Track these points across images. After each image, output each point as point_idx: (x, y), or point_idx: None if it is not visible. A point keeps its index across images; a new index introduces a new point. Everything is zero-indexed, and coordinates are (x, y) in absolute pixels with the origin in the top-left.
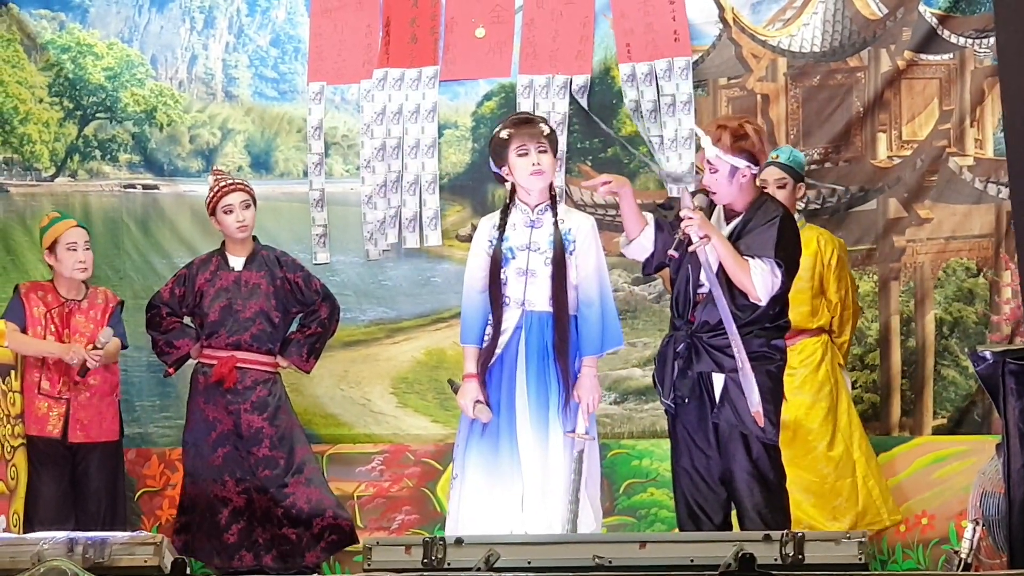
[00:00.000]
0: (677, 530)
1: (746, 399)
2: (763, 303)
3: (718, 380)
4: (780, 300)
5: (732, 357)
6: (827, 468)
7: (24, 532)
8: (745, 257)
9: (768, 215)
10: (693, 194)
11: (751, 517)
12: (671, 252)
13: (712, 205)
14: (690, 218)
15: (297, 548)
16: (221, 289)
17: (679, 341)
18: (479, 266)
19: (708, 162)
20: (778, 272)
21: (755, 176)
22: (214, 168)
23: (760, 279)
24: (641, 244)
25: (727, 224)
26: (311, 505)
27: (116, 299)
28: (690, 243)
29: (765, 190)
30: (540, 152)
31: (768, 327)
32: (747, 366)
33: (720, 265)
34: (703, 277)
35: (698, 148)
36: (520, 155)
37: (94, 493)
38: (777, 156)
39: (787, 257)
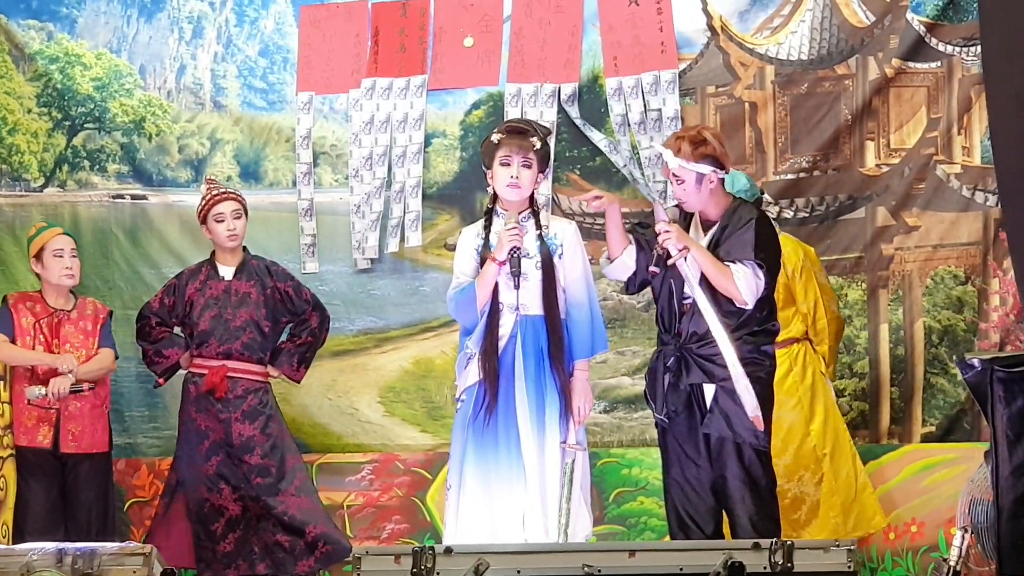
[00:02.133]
0: (667, 539)
1: (737, 407)
2: (749, 306)
3: (709, 390)
4: (766, 303)
5: (722, 366)
6: (789, 483)
7: (13, 543)
8: (726, 263)
9: (744, 219)
10: (666, 208)
11: (743, 525)
12: (652, 268)
13: (686, 217)
14: (667, 231)
15: (291, 556)
16: (211, 298)
17: (668, 355)
18: (470, 267)
19: (674, 175)
20: (760, 273)
21: (722, 181)
22: (207, 177)
23: (744, 283)
24: (624, 263)
25: (704, 234)
26: (303, 513)
27: (106, 309)
28: (669, 257)
29: (735, 196)
30: (523, 166)
31: (756, 331)
32: (739, 370)
33: (703, 275)
34: (687, 289)
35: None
36: (502, 164)
37: (84, 504)
38: None
39: (767, 258)
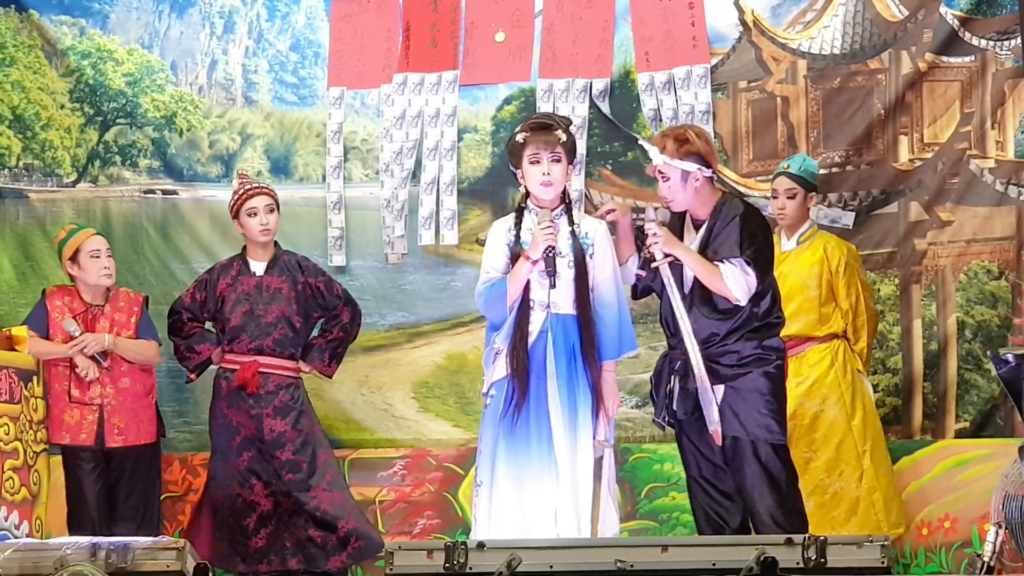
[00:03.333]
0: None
1: (748, 406)
2: (743, 303)
3: (717, 391)
4: (764, 297)
5: (728, 366)
6: (829, 478)
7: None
8: (715, 263)
9: (728, 216)
10: (656, 208)
11: (764, 521)
12: (638, 271)
13: (679, 218)
14: (655, 235)
15: (322, 551)
16: (243, 294)
17: (676, 359)
18: (500, 263)
19: (659, 172)
20: (749, 270)
21: (710, 179)
22: (239, 171)
23: (733, 282)
24: (628, 269)
25: (695, 233)
26: (335, 508)
27: (139, 298)
28: (654, 260)
29: (726, 192)
30: (553, 161)
31: (758, 327)
32: (706, 383)
33: (696, 278)
34: (685, 291)
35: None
36: (532, 163)
37: (130, 497)
38: (788, 166)
39: (755, 253)
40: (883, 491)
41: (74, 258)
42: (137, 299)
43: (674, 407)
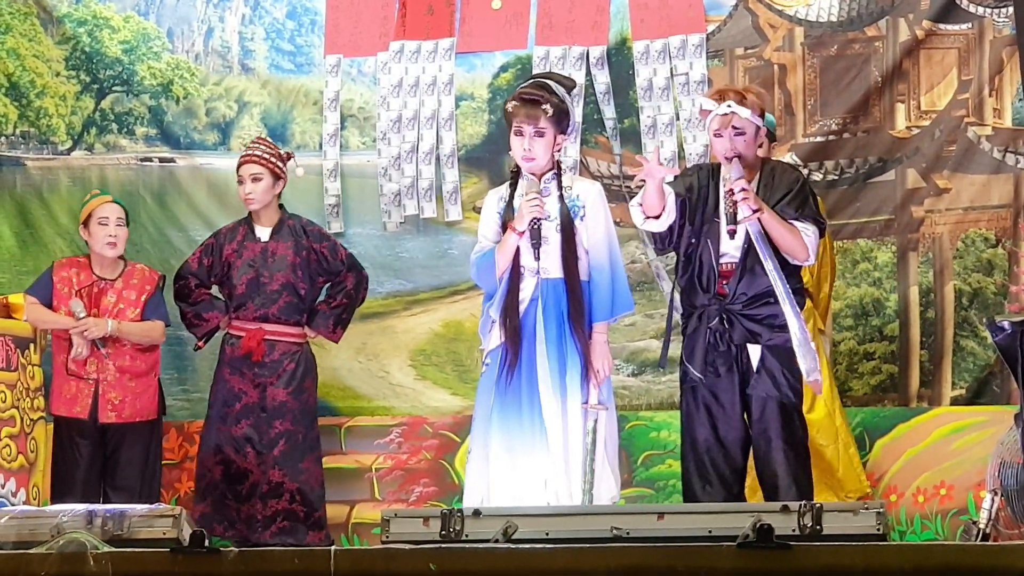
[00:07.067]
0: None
1: (783, 367)
2: (812, 262)
3: (753, 351)
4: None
5: (769, 327)
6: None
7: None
8: (790, 222)
9: (790, 177)
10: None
11: (784, 486)
12: (729, 227)
13: (710, 177)
14: (745, 191)
15: (304, 525)
16: (248, 260)
17: (712, 315)
18: (493, 231)
19: (734, 127)
20: (817, 232)
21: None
22: (256, 138)
23: (811, 241)
24: (669, 216)
25: None
26: (320, 488)
27: (155, 277)
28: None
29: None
30: (535, 136)
31: (795, 290)
32: (806, 333)
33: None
34: (723, 247)
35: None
36: (515, 135)
37: (128, 466)
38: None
39: (817, 214)
40: (855, 449)
41: (86, 223)
42: (152, 277)
43: (707, 365)
